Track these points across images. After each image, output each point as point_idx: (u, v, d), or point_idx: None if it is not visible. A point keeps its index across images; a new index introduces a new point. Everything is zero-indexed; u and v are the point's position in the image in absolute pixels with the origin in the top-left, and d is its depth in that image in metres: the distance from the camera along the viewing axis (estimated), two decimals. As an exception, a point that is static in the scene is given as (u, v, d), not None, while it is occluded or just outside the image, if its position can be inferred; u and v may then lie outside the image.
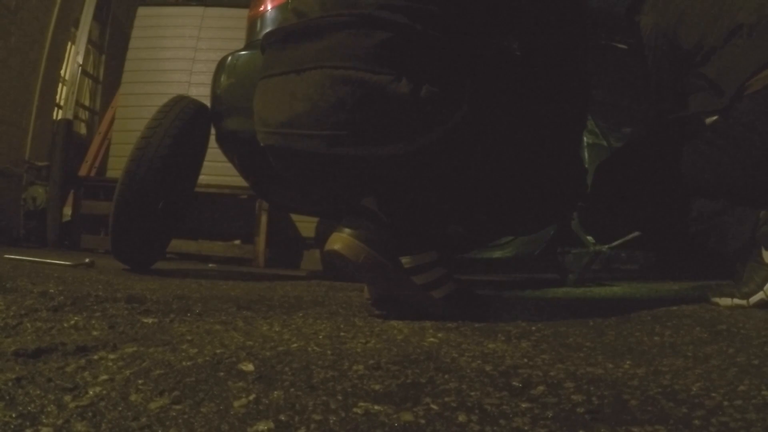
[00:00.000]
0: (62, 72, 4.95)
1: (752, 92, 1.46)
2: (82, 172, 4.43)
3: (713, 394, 0.67)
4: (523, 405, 0.64)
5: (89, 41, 4.87)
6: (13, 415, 0.57)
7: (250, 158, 2.30)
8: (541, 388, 0.70)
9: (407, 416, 0.60)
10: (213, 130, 2.39)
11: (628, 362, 0.84)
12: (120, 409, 0.60)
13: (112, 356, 0.79)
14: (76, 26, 4.68)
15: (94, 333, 0.95)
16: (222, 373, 0.72)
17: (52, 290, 1.30)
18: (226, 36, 4.07)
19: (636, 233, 2.16)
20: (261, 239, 3.84)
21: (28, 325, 0.97)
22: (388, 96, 1.07)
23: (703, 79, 1.58)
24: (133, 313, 1.14)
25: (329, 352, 0.86)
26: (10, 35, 4.07)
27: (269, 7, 2.37)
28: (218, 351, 0.83)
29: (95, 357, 0.79)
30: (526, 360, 0.84)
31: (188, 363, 0.76)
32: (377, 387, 0.69)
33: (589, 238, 2.39)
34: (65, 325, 0.99)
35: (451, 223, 1.34)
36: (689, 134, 1.59)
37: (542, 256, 2.65)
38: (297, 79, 1.16)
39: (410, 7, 1.09)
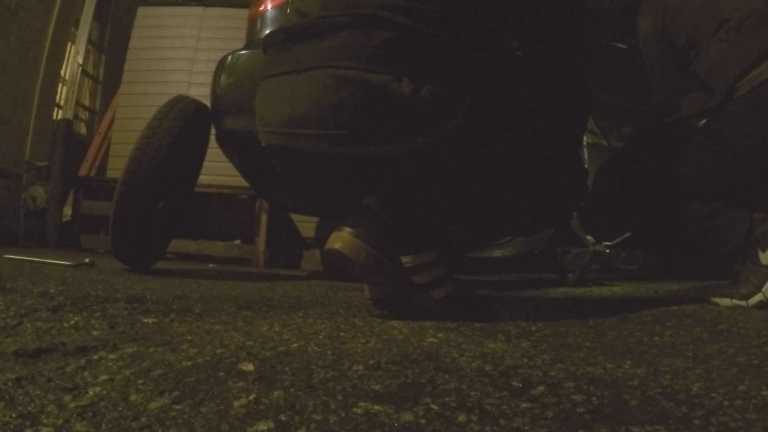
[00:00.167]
0: (62, 72, 4.95)
1: (742, 94, 1.46)
2: (82, 172, 4.43)
3: (713, 394, 0.67)
4: (523, 405, 0.64)
5: (89, 41, 4.86)
6: (13, 415, 0.57)
7: (250, 157, 2.30)
8: (541, 388, 0.70)
9: (407, 416, 0.60)
10: (213, 130, 2.39)
11: (628, 362, 0.84)
12: (120, 409, 0.60)
13: (112, 356, 0.79)
14: (76, 26, 4.68)
15: (94, 333, 0.95)
16: (222, 373, 0.72)
17: (52, 290, 1.30)
18: (226, 36, 4.07)
19: (628, 234, 2.15)
20: (261, 239, 3.84)
21: (28, 325, 0.97)
22: (389, 96, 1.07)
23: (695, 78, 1.58)
24: (133, 313, 1.14)
25: (329, 352, 0.86)
26: (10, 35, 4.07)
27: (269, 6, 2.37)
28: (218, 351, 0.83)
29: (95, 357, 0.79)
30: (526, 360, 0.84)
31: (188, 363, 0.77)
32: (377, 387, 0.69)
33: (589, 238, 2.39)
34: (65, 325, 0.99)
35: (451, 223, 1.34)
36: (683, 136, 1.59)
37: (542, 256, 2.65)
38: (298, 79, 1.16)
39: (412, 8, 1.09)
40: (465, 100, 1.10)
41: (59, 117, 4.57)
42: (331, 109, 1.10)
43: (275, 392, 0.66)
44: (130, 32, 4.57)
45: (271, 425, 0.57)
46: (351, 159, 1.13)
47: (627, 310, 1.34)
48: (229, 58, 2.29)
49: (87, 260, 2.30)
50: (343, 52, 1.10)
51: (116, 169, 4.04)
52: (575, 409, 0.63)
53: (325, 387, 0.69)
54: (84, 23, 4.53)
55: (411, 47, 1.09)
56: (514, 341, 0.98)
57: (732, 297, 1.45)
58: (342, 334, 1.01)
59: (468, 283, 1.38)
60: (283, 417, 0.59)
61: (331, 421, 0.58)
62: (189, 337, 0.93)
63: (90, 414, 0.58)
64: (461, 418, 0.60)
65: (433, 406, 0.63)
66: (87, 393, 0.64)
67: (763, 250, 1.43)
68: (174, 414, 0.59)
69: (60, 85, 4.96)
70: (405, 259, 1.16)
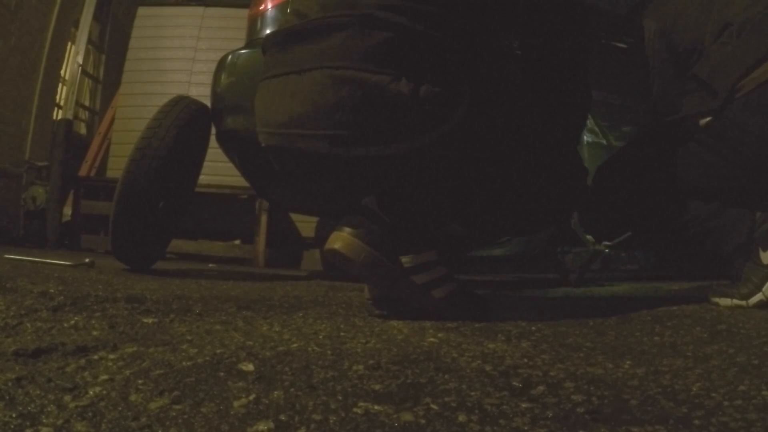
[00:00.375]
0: (62, 72, 4.95)
1: (744, 93, 1.46)
2: (82, 172, 4.43)
3: (713, 394, 0.67)
4: (523, 405, 0.64)
5: (89, 41, 4.86)
6: (13, 415, 0.57)
7: (250, 157, 2.30)
8: (541, 388, 0.70)
9: (407, 416, 0.60)
10: (213, 130, 2.39)
11: (628, 362, 0.84)
12: (120, 409, 0.60)
13: (112, 356, 0.79)
14: (76, 26, 4.68)
15: (94, 333, 0.95)
16: (222, 373, 0.72)
17: (52, 290, 1.30)
18: (226, 36, 4.07)
19: (628, 234, 2.16)
20: (261, 239, 3.84)
21: (28, 325, 0.97)
22: (387, 96, 1.07)
23: (696, 81, 1.58)
24: (133, 313, 1.14)
25: (329, 352, 0.86)
26: (10, 35, 4.07)
27: (269, 5, 2.37)
28: (218, 351, 0.83)
29: (95, 357, 0.79)
30: (526, 360, 0.84)
31: (188, 363, 0.77)
32: (377, 387, 0.69)
33: (589, 237, 2.39)
34: (65, 325, 0.99)
35: (451, 222, 1.34)
36: (683, 136, 1.59)
37: (542, 256, 2.64)
38: (297, 79, 1.16)
39: (410, 8, 1.09)
40: (464, 99, 1.10)
41: (59, 117, 4.57)
42: (330, 109, 1.10)
43: (275, 392, 0.66)
44: (130, 32, 4.57)
45: (271, 425, 0.57)
46: (350, 159, 1.13)
47: (627, 310, 1.34)
48: (230, 57, 2.29)
49: (87, 260, 2.30)
50: (342, 52, 1.10)
51: (116, 169, 4.04)
52: (575, 409, 0.63)
53: (325, 387, 0.69)
54: (84, 23, 4.53)
55: (409, 47, 1.09)
56: (514, 341, 0.98)
57: (732, 297, 1.45)
58: (342, 334, 1.01)
59: (468, 283, 1.38)
60: (283, 417, 0.59)
61: (331, 421, 0.58)
62: (189, 337, 0.93)
63: (90, 414, 0.58)
64: (461, 418, 0.60)
65: (433, 406, 0.63)
66: (87, 393, 0.64)
67: (764, 250, 1.43)
68: (174, 414, 0.59)
69: (60, 85, 4.97)
70: (405, 259, 1.16)
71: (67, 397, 0.62)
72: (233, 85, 2.23)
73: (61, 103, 4.72)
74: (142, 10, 4.55)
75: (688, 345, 0.97)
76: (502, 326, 1.13)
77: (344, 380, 0.72)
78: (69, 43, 4.89)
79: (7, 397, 0.62)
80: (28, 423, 0.56)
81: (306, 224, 3.92)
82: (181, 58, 4.34)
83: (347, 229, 1.16)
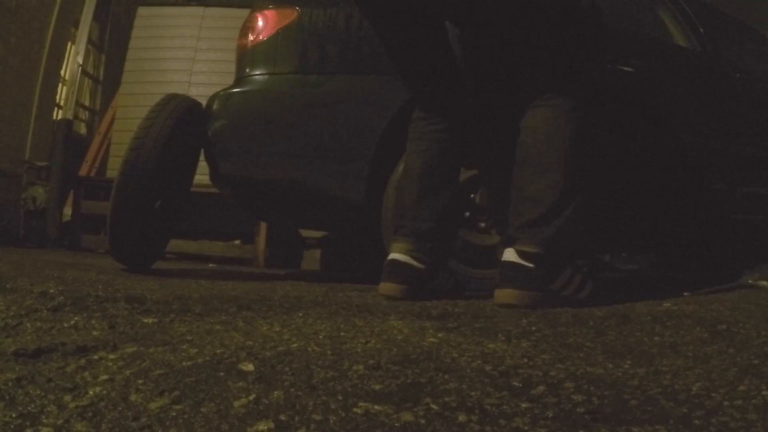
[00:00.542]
0: (62, 72, 4.95)
1: None
2: (82, 172, 4.43)
3: (713, 394, 0.67)
4: (523, 405, 0.64)
5: (89, 41, 4.87)
6: (13, 415, 0.57)
7: (244, 198, 2.29)
8: (541, 388, 0.70)
9: (407, 416, 0.60)
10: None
11: (628, 362, 0.84)
12: (120, 409, 0.60)
13: (112, 356, 0.79)
14: (76, 26, 4.69)
15: (94, 333, 0.95)
16: (222, 373, 0.72)
17: (52, 290, 1.30)
18: (226, 36, 4.06)
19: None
20: (261, 239, 3.84)
21: (28, 325, 0.97)
22: None
23: None
24: (133, 313, 1.14)
25: (329, 352, 0.86)
26: (10, 35, 4.08)
27: (261, 37, 2.13)
28: (218, 351, 0.83)
29: (95, 357, 0.79)
30: (526, 360, 0.84)
31: (188, 363, 0.76)
32: (377, 387, 0.69)
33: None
34: (65, 325, 0.99)
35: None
36: None
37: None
38: None
39: None
40: None
41: (59, 117, 4.57)
42: None
43: (275, 392, 0.66)
44: (130, 32, 4.57)
45: (271, 425, 0.57)
46: None
47: (627, 310, 1.34)
48: (219, 98, 2.17)
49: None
50: None
51: (116, 169, 4.02)
52: (575, 409, 0.63)
53: (325, 387, 0.69)
54: (84, 23, 4.54)
55: None
56: (514, 341, 0.98)
57: None
58: (342, 334, 1.01)
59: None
60: (283, 417, 0.59)
61: (331, 421, 0.58)
62: (189, 337, 0.93)
63: (90, 414, 0.58)
64: (461, 418, 0.60)
65: (433, 406, 0.63)
66: (87, 393, 0.64)
67: None
68: (174, 414, 0.59)
69: (60, 85, 4.97)
70: (552, 285, 1.37)
71: (67, 397, 0.62)
72: (225, 128, 2.14)
73: (61, 103, 4.73)
74: (142, 10, 4.55)
75: (688, 345, 0.97)
76: (502, 326, 1.13)
77: (344, 380, 0.72)
78: (69, 43, 4.90)
79: (7, 397, 0.62)
80: (28, 423, 0.56)
81: (306, 224, 3.92)
82: (181, 58, 4.34)
83: (509, 289, 1.33)
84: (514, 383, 0.72)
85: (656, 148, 2.03)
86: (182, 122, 2.22)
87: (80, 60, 4.53)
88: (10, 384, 0.65)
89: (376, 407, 0.62)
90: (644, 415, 0.60)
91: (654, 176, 2.03)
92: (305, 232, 3.95)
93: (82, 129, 5.43)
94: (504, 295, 1.33)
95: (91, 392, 0.64)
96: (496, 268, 1.41)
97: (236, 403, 0.62)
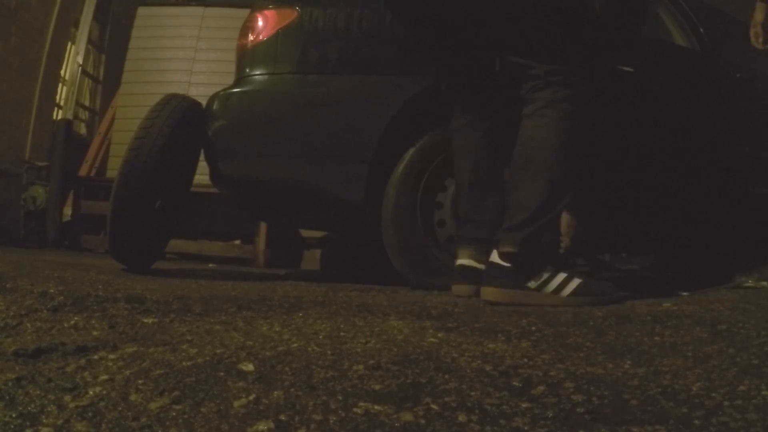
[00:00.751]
0: (62, 72, 4.95)
1: None
2: (82, 172, 4.43)
3: (713, 394, 0.67)
4: (523, 405, 0.64)
5: (89, 41, 4.87)
6: (13, 415, 0.57)
7: (245, 199, 2.29)
8: (541, 388, 0.70)
9: (407, 416, 0.60)
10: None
11: (628, 362, 0.84)
12: (120, 409, 0.60)
13: (112, 356, 0.79)
14: (76, 26, 4.69)
15: (94, 333, 0.95)
16: (222, 373, 0.72)
17: (52, 290, 1.30)
18: (226, 36, 4.05)
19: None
20: (261, 239, 3.84)
21: (28, 325, 0.97)
22: None
23: None
24: (133, 313, 1.14)
25: (329, 352, 0.86)
26: (10, 35, 4.08)
27: (261, 37, 2.11)
28: (218, 351, 0.83)
29: (95, 357, 0.79)
30: (526, 360, 0.84)
31: (188, 363, 0.76)
32: (377, 387, 0.69)
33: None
34: (65, 325, 0.99)
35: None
36: None
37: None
38: None
39: None
40: None
41: (59, 117, 4.57)
42: None
43: (275, 392, 0.66)
44: (130, 32, 4.57)
45: (271, 425, 0.57)
46: None
47: (627, 310, 1.34)
48: (219, 98, 2.15)
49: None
50: None
51: (116, 169, 4.02)
52: (575, 409, 0.63)
53: (325, 387, 0.69)
54: (84, 23, 4.54)
55: None
56: (514, 341, 0.98)
57: None
58: (342, 334, 1.01)
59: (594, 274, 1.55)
60: (283, 417, 0.59)
61: (331, 421, 0.58)
62: (189, 337, 0.93)
63: (90, 414, 0.58)
64: (461, 418, 0.60)
65: (433, 406, 0.63)
66: (87, 393, 0.64)
67: None
68: (174, 414, 0.59)
69: (60, 85, 4.97)
70: (530, 284, 1.40)
71: (67, 397, 0.62)
72: (225, 128, 2.12)
73: (61, 103, 4.73)
74: (142, 10, 4.55)
75: (688, 345, 0.97)
76: (502, 326, 1.13)
77: (344, 380, 0.72)
78: (69, 43, 4.90)
79: (7, 397, 0.62)
80: (28, 423, 0.56)
81: (306, 224, 3.92)
82: (181, 58, 4.34)
83: (491, 288, 1.42)
84: (514, 383, 0.72)
85: (656, 148, 2.04)
86: (182, 122, 2.22)
87: (80, 60, 4.53)
88: (10, 384, 0.65)
89: (376, 407, 0.62)
90: (644, 415, 0.60)
91: (654, 176, 2.04)
92: (305, 232, 3.95)
93: (82, 129, 5.43)
94: (486, 292, 1.43)
95: (91, 392, 0.64)
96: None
97: (236, 403, 0.62)
